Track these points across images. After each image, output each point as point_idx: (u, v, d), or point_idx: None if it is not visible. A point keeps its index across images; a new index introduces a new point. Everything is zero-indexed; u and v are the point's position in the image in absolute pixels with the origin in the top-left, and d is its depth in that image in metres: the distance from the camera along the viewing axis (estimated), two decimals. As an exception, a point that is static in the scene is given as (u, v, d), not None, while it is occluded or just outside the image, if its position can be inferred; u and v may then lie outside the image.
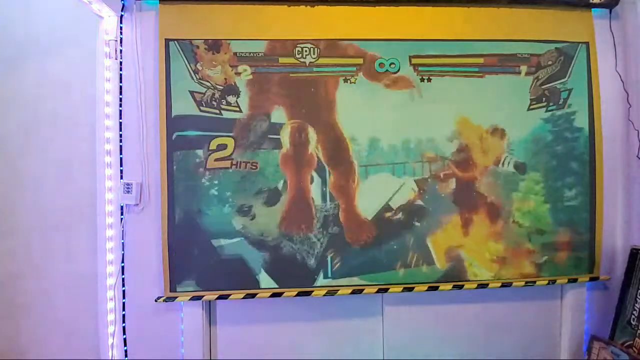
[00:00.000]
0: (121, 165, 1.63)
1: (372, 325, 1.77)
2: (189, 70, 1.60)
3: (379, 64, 1.66)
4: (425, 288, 1.67)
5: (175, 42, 1.60)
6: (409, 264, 1.66)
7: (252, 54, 1.62)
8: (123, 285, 1.63)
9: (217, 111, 1.61)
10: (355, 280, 1.65)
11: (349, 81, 1.65)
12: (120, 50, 1.63)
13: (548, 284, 1.72)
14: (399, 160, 1.66)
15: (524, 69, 1.72)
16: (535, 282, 1.71)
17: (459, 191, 1.69)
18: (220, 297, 1.61)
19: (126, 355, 1.63)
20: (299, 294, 1.63)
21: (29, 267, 1.64)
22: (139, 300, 1.64)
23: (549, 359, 1.83)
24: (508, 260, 1.70)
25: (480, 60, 1.70)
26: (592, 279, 1.76)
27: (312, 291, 1.63)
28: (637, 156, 1.74)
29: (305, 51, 1.61)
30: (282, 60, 1.63)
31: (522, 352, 1.82)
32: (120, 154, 1.63)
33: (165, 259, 1.59)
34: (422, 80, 1.68)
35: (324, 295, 1.63)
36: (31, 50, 1.64)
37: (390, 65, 1.67)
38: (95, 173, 1.61)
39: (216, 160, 1.61)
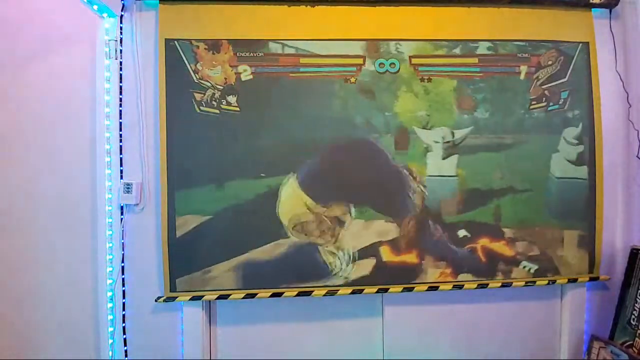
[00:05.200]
0: (121, 165, 1.63)
1: (372, 325, 1.77)
2: (189, 70, 1.60)
3: (379, 64, 1.66)
4: (425, 288, 1.67)
5: (175, 42, 1.60)
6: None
7: (252, 54, 1.62)
8: (123, 285, 1.63)
9: (217, 111, 1.61)
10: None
11: (349, 81, 1.65)
12: (120, 50, 1.63)
13: (548, 284, 1.72)
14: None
15: (524, 69, 1.72)
16: (535, 282, 1.71)
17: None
18: (220, 297, 1.61)
19: (126, 355, 1.63)
20: (299, 294, 1.63)
21: (28, 267, 1.64)
22: (139, 300, 1.64)
23: (549, 359, 1.83)
24: None
25: (480, 60, 1.70)
26: (592, 279, 1.76)
27: (312, 291, 1.63)
28: (637, 156, 1.74)
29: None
30: (282, 60, 1.63)
31: (522, 352, 1.82)
32: (120, 154, 1.63)
33: (165, 259, 1.59)
34: (422, 80, 1.68)
35: (324, 295, 1.63)
36: (30, 50, 1.64)
37: (390, 65, 1.67)
38: (96, 173, 1.62)
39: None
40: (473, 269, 1.62)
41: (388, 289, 1.65)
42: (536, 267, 1.64)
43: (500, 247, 1.65)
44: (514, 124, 1.67)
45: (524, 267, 1.58)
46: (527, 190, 1.69)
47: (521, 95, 1.71)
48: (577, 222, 1.72)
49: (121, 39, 1.63)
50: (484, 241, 1.63)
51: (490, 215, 1.66)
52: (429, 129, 1.57)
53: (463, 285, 1.68)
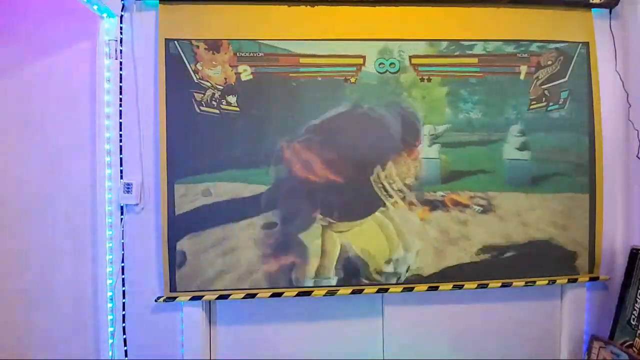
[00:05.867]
0: (121, 165, 1.63)
1: (372, 325, 1.77)
2: (189, 70, 1.60)
3: (379, 64, 1.66)
4: (425, 288, 1.67)
5: (175, 42, 1.60)
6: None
7: (252, 54, 1.62)
8: (123, 285, 1.63)
9: (217, 111, 1.61)
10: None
11: (349, 81, 1.65)
12: (120, 50, 1.63)
13: (548, 284, 1.72)
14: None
15: (524, 69, 1.72)
16: (535, 282, 1.71)
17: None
18: (220, 297, 1.61)
19: (126, 355, 1.63)
20: (299, 294, 1.63)
21: (28, 267, 1.64)
22: (139, 300, 1.64)
23: (549, 359, 1.83)
24: None
25: (480, 60, 1.70)
26: (592, 279, 1.76)
27: (312, 291, 1.63)
28: (637, 156, 1.74)
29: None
30: (282, 60, 1.63)
31: (522, 352, 1.82)
32: (120, 154, 1.63)
33: (165, 259, 1.59)
34: (422, 80, 1.68)
35: (324, 295, 1.63)
36: (30, 50, 1.64)
37: (390, 65, 1.67)
38: (96, 173, 1.62)
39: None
40: (442, 209, 1.70)
41: (388, 289, 1.65)
42: (481, 208, 1.70)
43: (462, 199, 1.71)
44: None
45: (474, 207, 1.70)
46: (492, 171, 1.70)
47: (522, 96, 1.72)
48: (516, 186, 1.72)
49: (121, 39, 1.63)
50: (452, 197, 1.71)
51: (463, 186, 1.71)
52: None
53: (463, 286, 1.69)
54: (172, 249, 1.59)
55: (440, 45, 1.69)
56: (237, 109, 1.62)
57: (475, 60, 1.70)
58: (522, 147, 1.74)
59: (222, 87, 1.61)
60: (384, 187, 1.67)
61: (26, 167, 1.64)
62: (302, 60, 1.64)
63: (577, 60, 1.74)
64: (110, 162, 1.63)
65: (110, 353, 1.61)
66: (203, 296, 1.60)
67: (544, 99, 1.73)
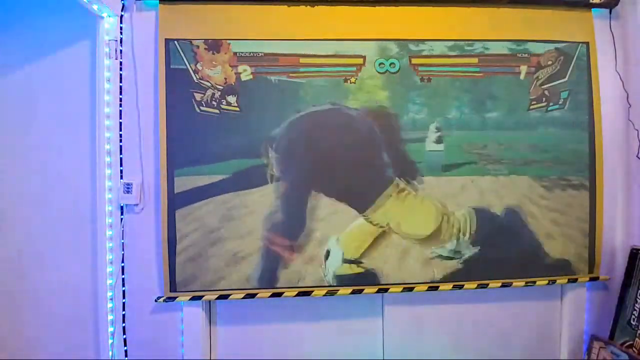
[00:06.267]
0: (121, 165, 1.63)
1: (372, 325, 1.77)
2: (189, 70, 1.60)
3: (379, 64, 1.66)
4: (425, 288, 1.67)
5: (175, 42, 1.60)
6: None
7: (252, 54, 1.62)
8: (123, 285, 1.63)
9: (217, 111, 1.61)
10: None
11: (349, 81, 1.65)
12: (120, 50, 1.63)
13: (548, 283, 1.72)
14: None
15: (524, 69, 1.72)
16: (535, 282, 1.71)
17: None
18: (220, 297, 1.61)
19: (126, 355, 1.63)
20: (299, 294, 1.63)
21: (29, 267, 1.64)
22: (139, 300, 1.64)
23: (549, 359, 1.83)
24: None
25: (480, 60, 1.70)
26: (592, 279, 1.76)
27: (312, 291, 1.63)
28: (637, 156, 1.74)
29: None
30: (282, 60, 1.63)
31: (522, 352, 1.82)
32: (120, 154, 1.63)
33: (165, 259, 1.58)
34: (422, 80, 1.68)
35: (324, 295, 1.63)
36: (30, 50, 1.64)
37: (390, 65, 1.67)
38: (96, 173, 1.62)
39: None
40: None
41: (388, 289, 1.65)
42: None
43: None
44: None
45: None
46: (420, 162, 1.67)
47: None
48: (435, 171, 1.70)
49: (121, 39, 1.62)
50: None
51: None
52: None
53: (463, 285, 1.68)
54: (172, 247, 1.59)
55: (440, 45, 1.69)
56: (237, 109, 1.62)
57: (475, 60, 1.70)
58: (438, 141, 1.72)
59: (222, 87, 1.61)
60: None
61: (26, 167, 1.64)
62: (302, 60, 1.64)
63: (577, 60, 1.74)
64: (110, 162, 1.62)
65: (110, 353, 1.61)
66: (203, 296, 1.60)
67: (544, 99, 1.73)
